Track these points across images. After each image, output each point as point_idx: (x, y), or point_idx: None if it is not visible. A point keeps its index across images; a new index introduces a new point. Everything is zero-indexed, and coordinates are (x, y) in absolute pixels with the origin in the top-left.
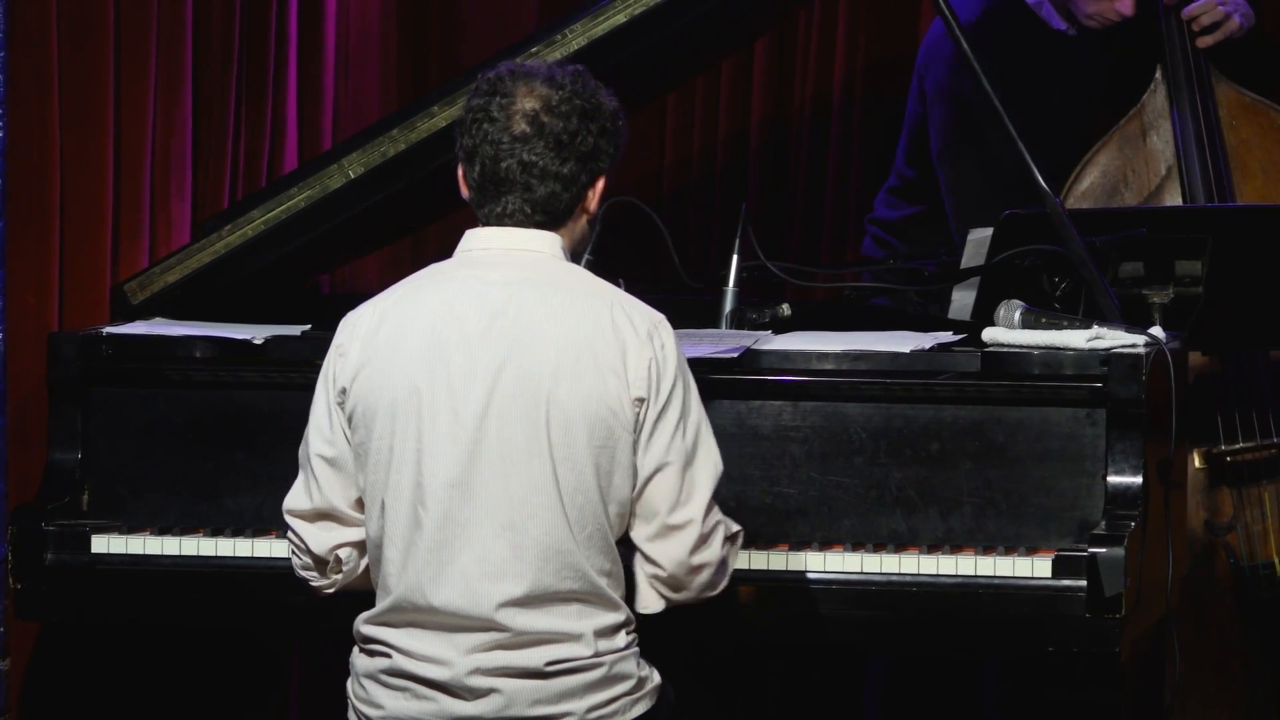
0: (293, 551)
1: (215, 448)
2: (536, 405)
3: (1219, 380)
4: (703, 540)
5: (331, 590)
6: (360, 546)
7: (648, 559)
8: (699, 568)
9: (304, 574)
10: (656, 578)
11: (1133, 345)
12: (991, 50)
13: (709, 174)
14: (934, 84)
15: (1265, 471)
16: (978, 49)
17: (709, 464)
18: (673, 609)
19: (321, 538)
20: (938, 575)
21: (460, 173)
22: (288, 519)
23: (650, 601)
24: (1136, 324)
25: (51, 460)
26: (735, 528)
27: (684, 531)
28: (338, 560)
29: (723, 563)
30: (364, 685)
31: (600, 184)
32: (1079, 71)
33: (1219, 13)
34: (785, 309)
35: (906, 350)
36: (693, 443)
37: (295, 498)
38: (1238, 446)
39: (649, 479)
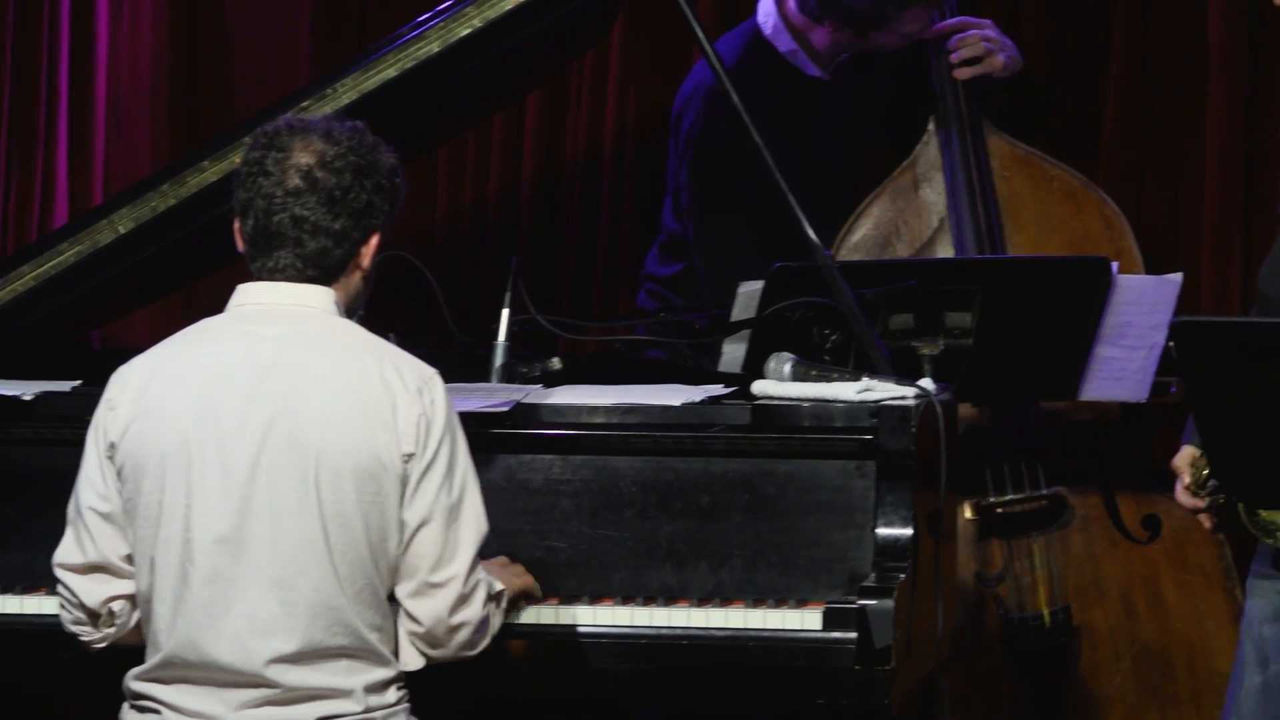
0: (63, 606)
1: None
2: (306, 461)
3: (989, 432)
4: (463, 599)
5: (103, 645)
6: (133, 599)
7: (408, 615)
8: (458, 626)
9: (75, 629)
10: (415, 634)
11: (902, 397)
12: (748, 102)
13: (480, 227)
14: (685, 137)
15: (1034, 523)
16: (745, 101)
17: (474, 522)
18: (444, 664)
19: (94, 590)
20: (708, 628)
21: (236, 225)
22: (58, 573)
23: (409, 658)
24: (906, 376)
25: None
26: (499, 587)
27: (445, 589)
28: (110, 613)
29: (484, 622)
30: None
31: (374, 240)
32: (837, 115)
33: (980, 47)
34: (556, 363)
35: (677, 403)
36: (458, 499)
37: (66, 551)
38: (1007, 498)
39: (413, 535)
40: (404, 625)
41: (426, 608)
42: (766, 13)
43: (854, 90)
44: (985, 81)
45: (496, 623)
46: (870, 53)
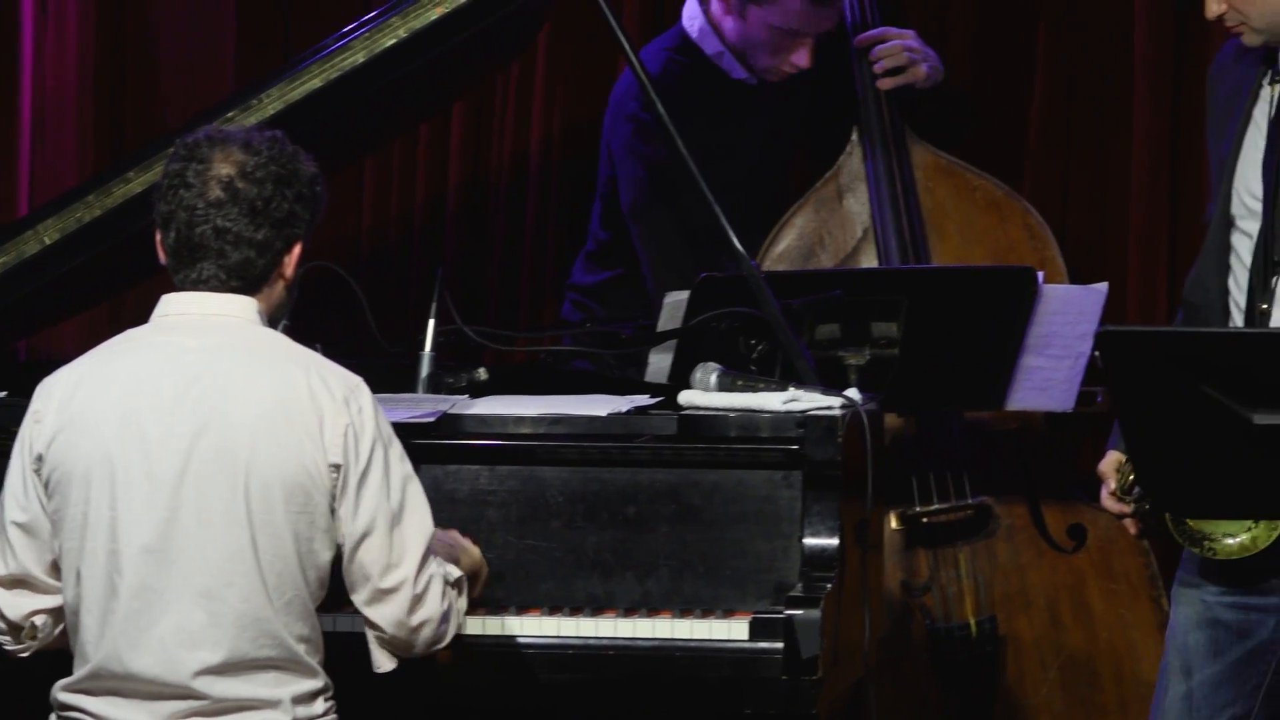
0: None
1: None
2: (234, 472)
3: (914, 441)
4: (418, 600)
5: (27, 654)
6: (56, 613)
7: (369, 623)
8: (419, 626)
9: None
10: (380, 640)
11: (829, 407)
12: (675, 106)
13: (406, 238)
14: (620, 144)
15: (960, 533)
16: (676, 103)
17: (418, 523)
18: (375, 675)
19: (16, 604)
20: (635, 638)
21: (158, 238)
22: None
23: (381, 661)
24: (832, 386)
25: None
26: (456, 574)
27: (398, 594)
28: (33, 627)
29: (445, 615)
30: None
31: (297, 250)
32: (765, 120)
33: (904, 57)
34: (482, 373)
35: (603, 414)
36: (399, 503)
37: None
38: (933, 508)
39: (358, 544)
40: (369, 632)
41: (384, 613)
42: (692, 15)
43: (780, 94)
44: (908, 92)
45: (461, 607)
46: (777, 54)
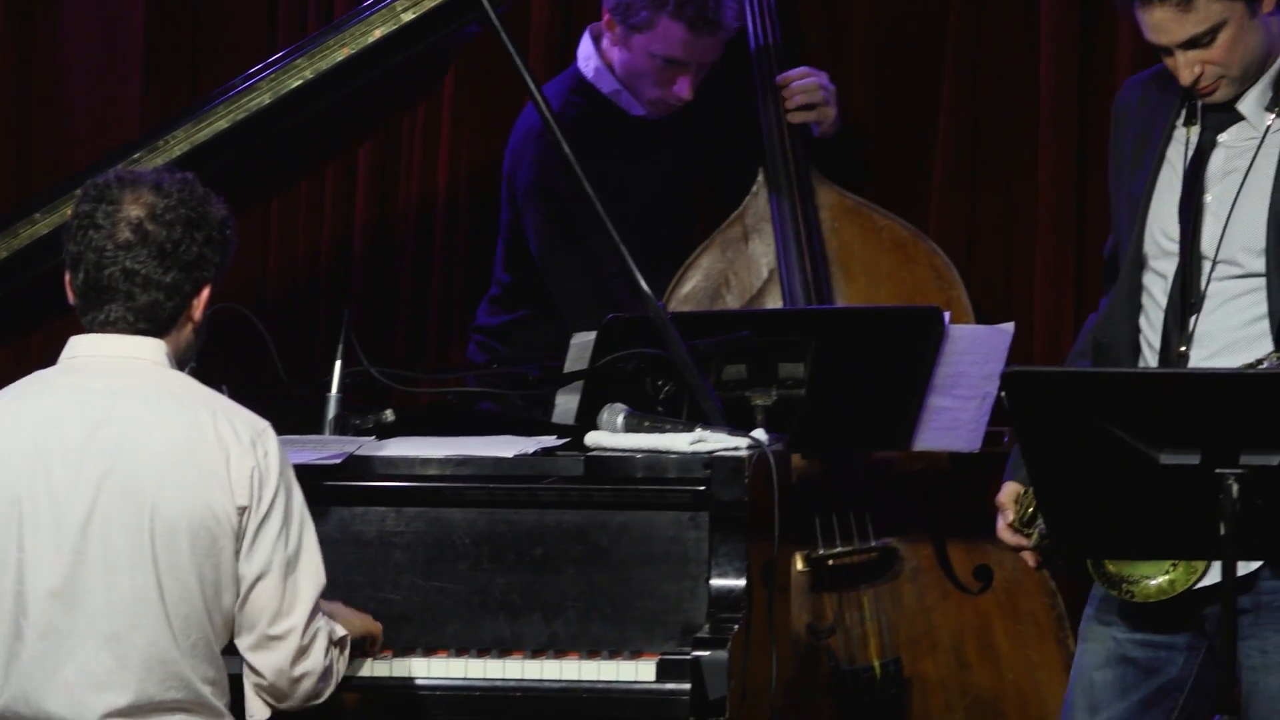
0: None
1: None
2: (140, 514)
3: (819, 482)
4: (303, 651)
5: None
6: None
7: (250, 668)
8: (300, 678)
9: None
10: (259, 687)
11: (735, 448)
12: (577, 147)
13: (313, 278)
14: (523, 186)
15: (864, 575)
16: (576, 145)
17: (311, 573)
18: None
19: None
20: (542, 680)
21: (67, 278)
22: None
23: (256, 709)
24: (739, 427)
25: None
26: (341, 632)
27: (285, 642)
28: None
29: (327, 671)
30: None
31: (206, 292)
32: (665, 154)
33: (819, 95)
34: (389, 414)
35: (510, 455)
36: (295, 552)
37: None
38: (838, 550)
39: (251, 588)
40: (248, 678)
41: (267, 660)
42: (586, 55)
43: (678, 127)
44: (807, 141)
45: (341, 668)
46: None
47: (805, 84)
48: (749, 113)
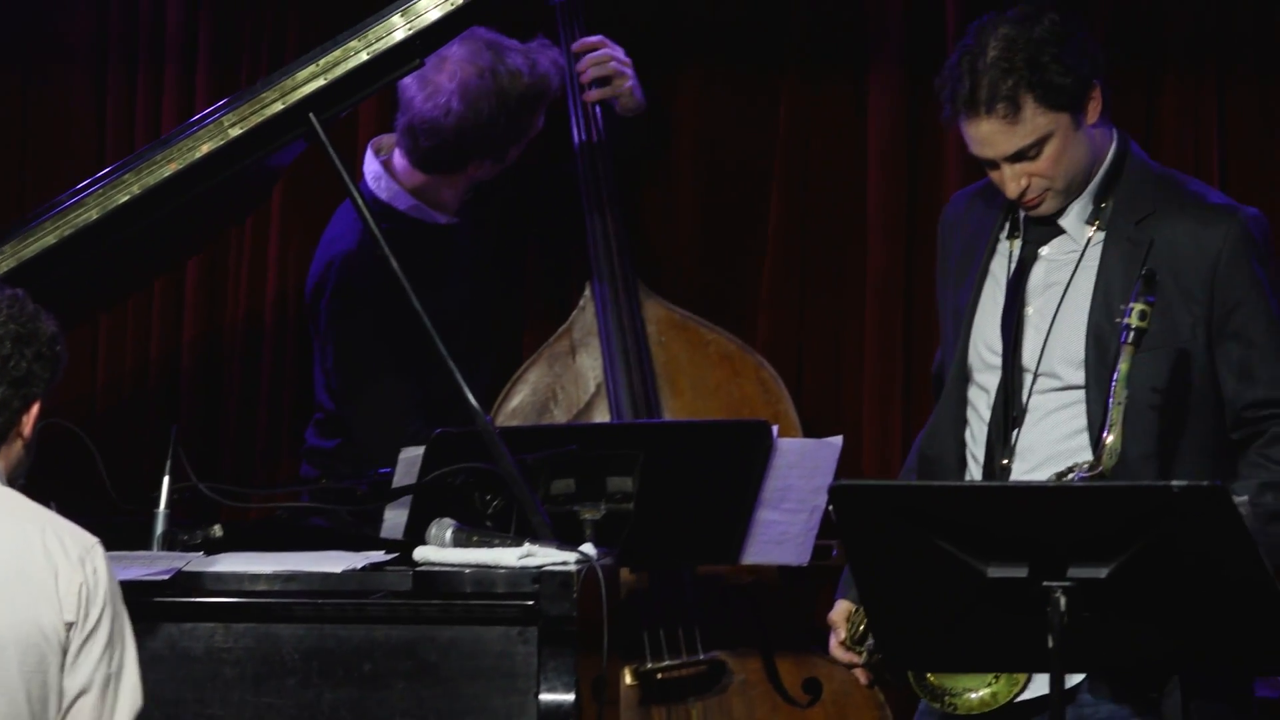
0: None
1: None
2: None
3: (647, 596)
4: None
5: None
6: None
7: None
8: None
9: None
10: None
11: (564, 563)
12: (384, 266)
13: (141, 394)
14: (329, 314)
15: (694, 688)
16: (377, 270)
17: (130, 694)
18: None
19: None
20: None
21: None
22: None
23: None
24: (568, 541)
25: None
26: None
27: None
28: None
29: None
30: None
31: (35, 409)
32: (469, 260)
33: (610, 67)
34: (217, 530)
35: (338, 570)
36: (118, 670)
37: None
38: (667, 663)
39: (72, 703)
40: None
41: None
42: (376, 175)
43: (476, 232)
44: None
45: None
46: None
47: (596, 56)
48: (575, 225)
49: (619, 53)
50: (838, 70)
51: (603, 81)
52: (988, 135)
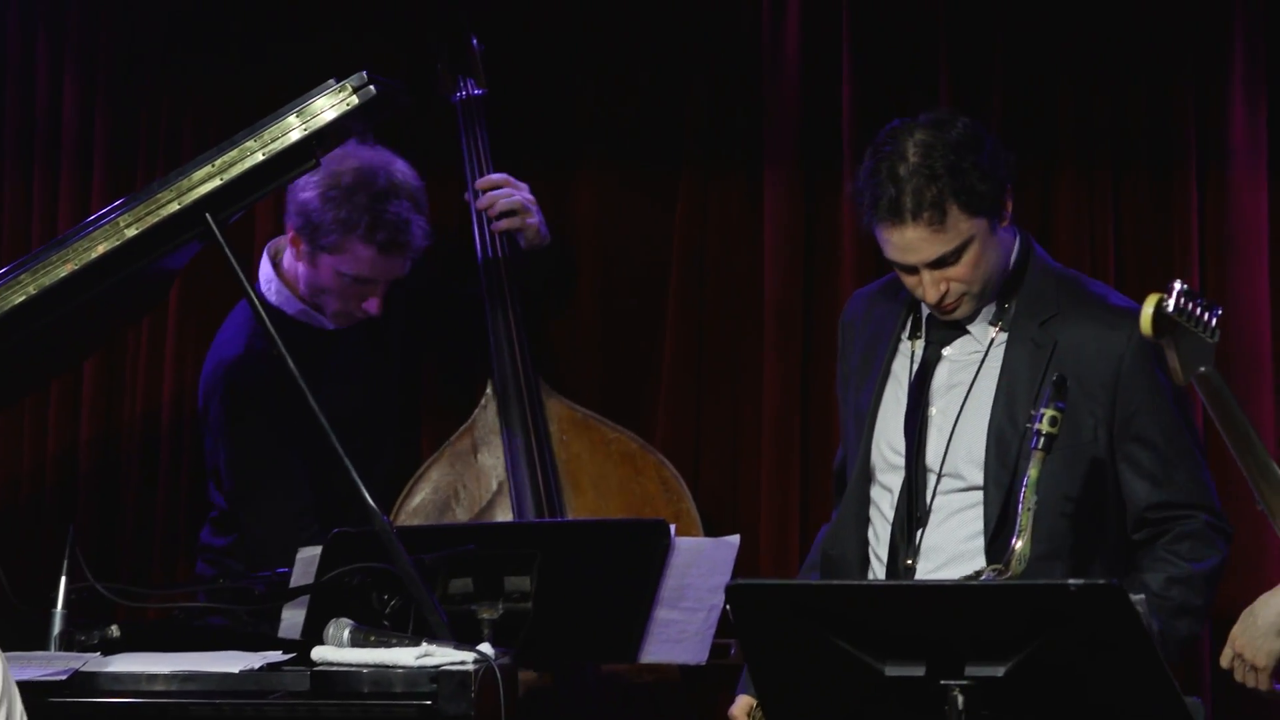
0: None
1: None
2: None
3: (551, 695)
4: None
5: None
6: None
7: None
8: None
9: None
10: None
11: (462, 662)
12: (275, 371)
13: (38, 493)
14: (215, 422)
15: None
16: (268, 371)
17: None
18: None
19: None
20: None
21: None
22: None
23: None
24: (466, 641)
25: None
26: None
27: None
28: None
29: None
30: None
31: None
32: (360, 365)
33: (516, 201)
34: (114, 630)
35: (236, 670)
36: None
37: None
38: None
39: None
40: None
41: None
42: (268, 279)
43: (368, 335)
44: (533, 357)
45: None
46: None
47: (499, 193)
48: (477, 323)
49: (524, 190)
50: (734, 168)
51: (509, 213)
52: (912, 242)
